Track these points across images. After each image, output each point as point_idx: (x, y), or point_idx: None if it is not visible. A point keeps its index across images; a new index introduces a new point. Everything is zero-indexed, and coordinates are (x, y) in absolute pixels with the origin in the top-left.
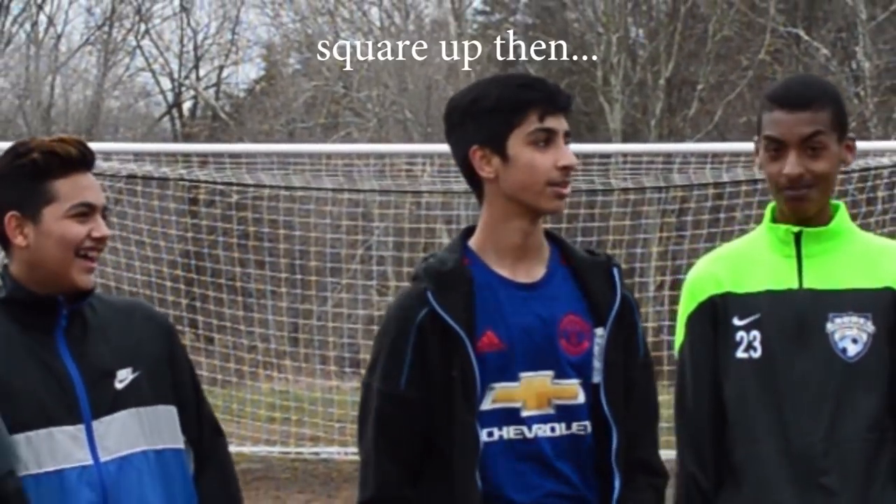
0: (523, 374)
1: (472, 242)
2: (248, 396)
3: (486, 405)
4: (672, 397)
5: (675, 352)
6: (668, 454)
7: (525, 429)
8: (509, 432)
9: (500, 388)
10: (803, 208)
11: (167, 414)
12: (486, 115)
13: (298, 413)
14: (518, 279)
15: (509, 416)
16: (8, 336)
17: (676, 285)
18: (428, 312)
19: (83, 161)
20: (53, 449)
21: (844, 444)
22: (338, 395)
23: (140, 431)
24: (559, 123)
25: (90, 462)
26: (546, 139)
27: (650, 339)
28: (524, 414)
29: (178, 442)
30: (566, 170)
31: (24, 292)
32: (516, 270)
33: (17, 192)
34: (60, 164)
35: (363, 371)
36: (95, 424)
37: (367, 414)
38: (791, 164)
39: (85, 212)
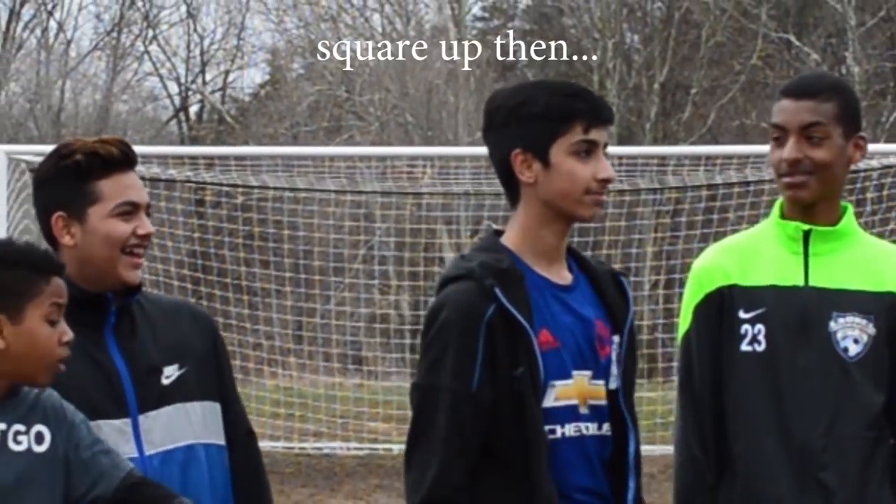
0: (574, 373)
1: (509, 243)
2: (253, 393)
3: (549, 402)
4: (672, 391)
5: (678, 339)
6: (664, 449)
7: (583, 426)
8: (570, 430)
9: (560, 385)
10: (800, 195)
11: (212, 410)
12: (532, 120)
13: (302, 409)
14: (554, 280)
15: (571, 413)
16: None
17: (671, 284)
18: (496, 308)
19: (125, 160)
20: None
21: (843, 441)
22: (340, 391)
23: (185, 427)
24: (601, 136)
25: (135, 455)
26: (588, 150)
27: (645, 336)
28: (581, 412)
29: (221, 438)
30: (605, 182)
31: (75, 289)
32: (550, 272)
33: (63, 193)
34: (103, 165)
35: (365, 368)
36: (142, 419)
37: (432, 416)
38: (789, 149)
39: (129, 210)
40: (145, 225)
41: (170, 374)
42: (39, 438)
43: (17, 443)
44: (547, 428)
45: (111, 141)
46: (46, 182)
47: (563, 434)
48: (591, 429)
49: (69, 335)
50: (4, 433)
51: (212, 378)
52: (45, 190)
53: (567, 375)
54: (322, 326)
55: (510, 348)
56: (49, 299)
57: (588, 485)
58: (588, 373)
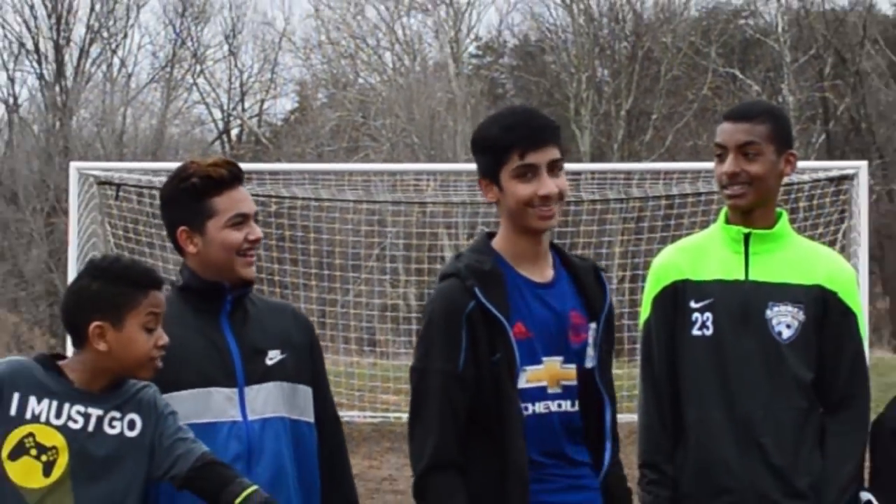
0: (544, 359)
1: (497, 246)
2: None
3: (522, 384)
4: (636, 368)
5: (640, 325)
6: (628, 418)
7: (551, 404)
8: (539, 407)
9: (531, 369)
10: (738, 204)
11: (304, 393)
12: (482, 153)
13: None
14: (534, 279)
15: (540, 393)
16: (182, 316)
17: (635, 279)
18: (475, 305)
19: (234, 178)
20: (209, 405)
21: (779, 412)
22: (357, 368)
23: (282, 401)
24: (540, 157)
25: (240, 419)
26: (529, 173)
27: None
28: (549, 391)
29: (311, 417)
30: (545, 199)
31: (199, 280)
32: (532, 272)
33: (184, 211)
34: (215, 185)
35: (379, 350)
36: (247, 390)
37: (426, 393)
38: (728, 164)
39: (240, 221)
40: (255, 231)
41: (273, 356)
42: (132, 425)
43: (112, 427)
44: (521, 405)
45: (221, 163)
46: (170, 202)
47: (533, 411)
48: (563, 405)
49: (164, 340)
50: (101, 418)
51: (307, 367)
52: (170, 208)
53: (538, 361)
54: (342, 314)
55: (489, 338)
56: (146, 309)
57: (553, 450)
58: (559, 358)
